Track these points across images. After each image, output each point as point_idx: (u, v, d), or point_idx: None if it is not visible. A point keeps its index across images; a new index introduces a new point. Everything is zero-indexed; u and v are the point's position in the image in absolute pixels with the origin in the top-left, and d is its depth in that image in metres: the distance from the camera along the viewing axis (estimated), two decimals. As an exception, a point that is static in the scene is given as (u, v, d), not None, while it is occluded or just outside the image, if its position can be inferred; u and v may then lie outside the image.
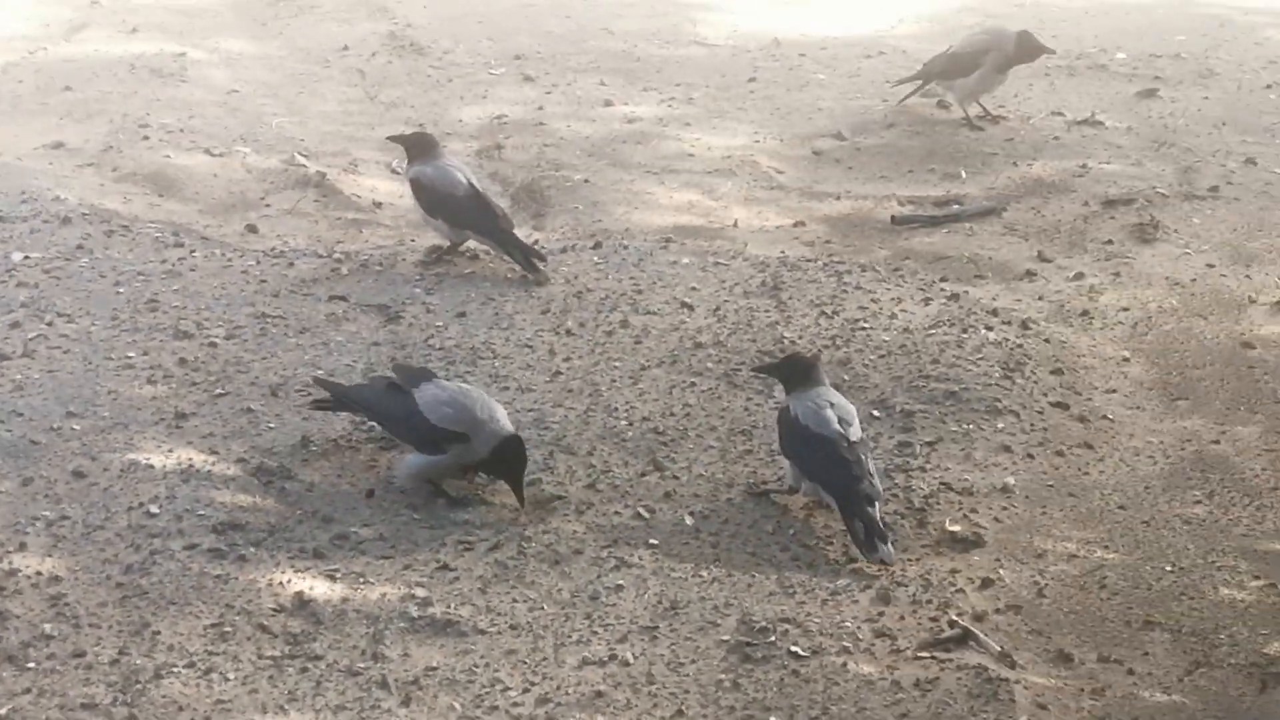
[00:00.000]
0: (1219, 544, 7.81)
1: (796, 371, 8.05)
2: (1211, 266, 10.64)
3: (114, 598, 7.00)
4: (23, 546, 7.26)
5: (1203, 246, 10.92)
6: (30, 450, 7.93)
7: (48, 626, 6.82)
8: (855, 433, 7.74)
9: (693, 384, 8.85)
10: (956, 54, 12.90)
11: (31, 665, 6.64)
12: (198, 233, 10.72)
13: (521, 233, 10.46)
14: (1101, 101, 13.67)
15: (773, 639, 6.95)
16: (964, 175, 12.17)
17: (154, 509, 7.54)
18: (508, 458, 7.71)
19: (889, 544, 7.51)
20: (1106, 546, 7.72)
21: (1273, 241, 11.01)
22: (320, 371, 8.78)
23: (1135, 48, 15.24)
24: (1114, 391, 9.03)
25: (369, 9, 16.12)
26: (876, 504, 7.59)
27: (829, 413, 7.77)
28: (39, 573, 7.10)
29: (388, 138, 11.08)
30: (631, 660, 6.83)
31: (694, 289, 9.93)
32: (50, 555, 7.22)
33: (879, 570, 7.44)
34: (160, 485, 7.72)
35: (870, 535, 7.50)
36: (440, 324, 9.43)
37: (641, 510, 7.79)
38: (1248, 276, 10.52)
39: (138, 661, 6.69)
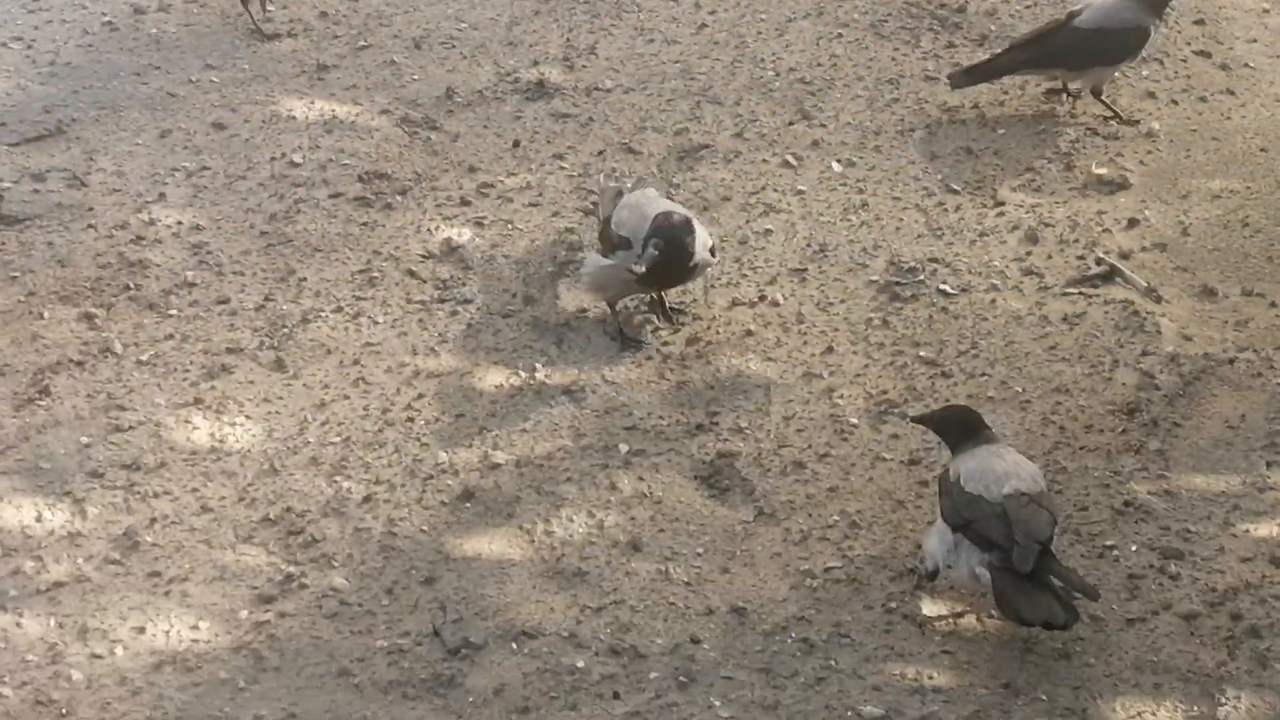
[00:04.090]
0: (1355, 180, 7.40)
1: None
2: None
3: (258, 246, 6.62)
4: (162, 197, 6.84)
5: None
6: (168, 103, 7.39)
7: (190, 274, 6.49)
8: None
9: (839, 35, 8.14)
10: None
11: (174, 313, 6.32)
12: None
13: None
14: None
15: (921, 278, 6.64)
16: None
17: (297, 159, 7.06)
18: (658, 242, 6.07)
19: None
20: (1249, 187, 7.27)
21: None
22: (463, 25, 8.04)
23: None
24: (1255, 41, 8.37)
25: None
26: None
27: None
28: (179, 222, 6.72)
29: None
30: (781, 301, 6.50)
31: (841, -59, 9.09)
32: (190, 205, 6.82)
33: (1028, 210, 7.00)
34: (303, 136, 7.20)
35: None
36: (591, -23, 8.70)
37: (789, 158, 7.23)
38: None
39: (284, 307, 6.35)
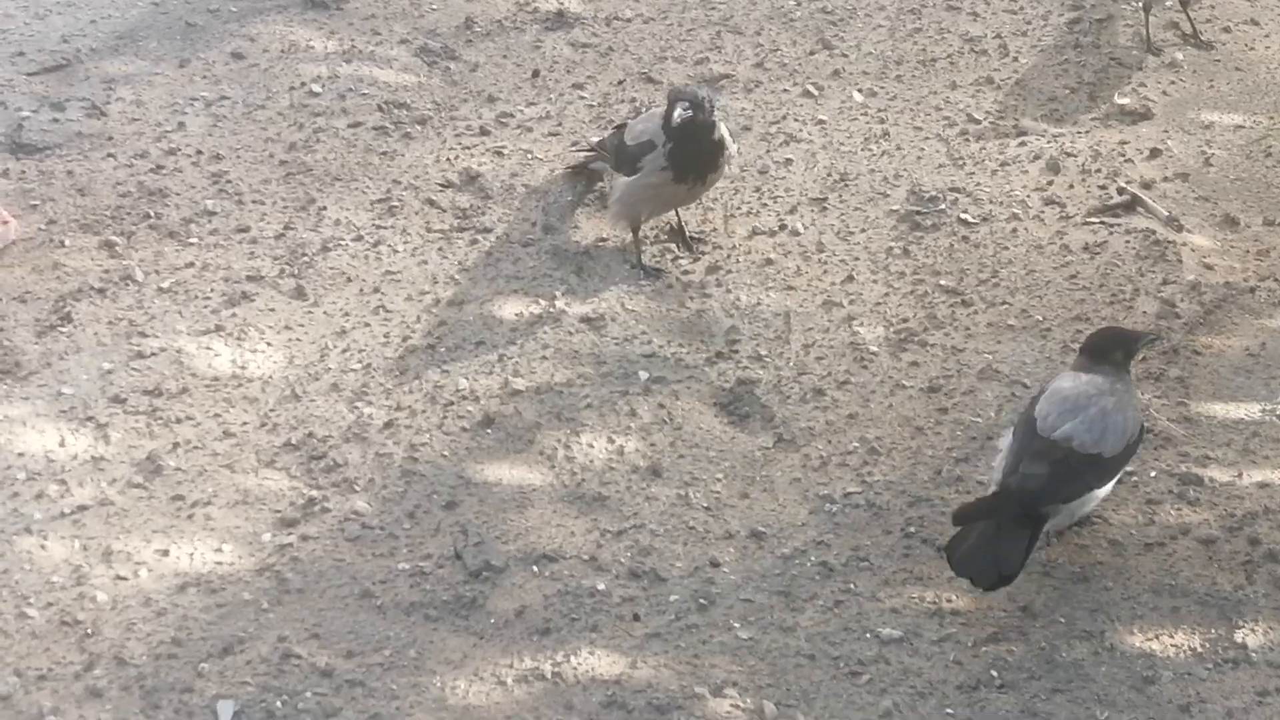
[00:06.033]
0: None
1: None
2: None
3: (277, 175, 6.66)
4: (181, 126, 6.88)
5: None
6: (187, 32, 7.41)
7: (210, 203, 6.52)
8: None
9: (860, -37, 8.18)
10: None
11: (194, 241, 6.36)
12: None
13: None
14: None
15: (942, 207, 6.70)
16: None
17: (316, 88, 7.10)
18: (683, 102, 6.19)
19: None
20: (1272, 117, 7.29)
21: None
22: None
23: None
24: (1280, -30, 8.50)
25: None
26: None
27: None
28: (199, 151, 6.76)
29: None
30: (801, 230, 6.56)
31: None
32: (210, 134, 6.85)
33: (1050, 140, 7.02)
34: (322, 65, 7.24)
35: None
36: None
37: (810, 88, 7.26)
38: None
39: (304, 235, 6.40)
